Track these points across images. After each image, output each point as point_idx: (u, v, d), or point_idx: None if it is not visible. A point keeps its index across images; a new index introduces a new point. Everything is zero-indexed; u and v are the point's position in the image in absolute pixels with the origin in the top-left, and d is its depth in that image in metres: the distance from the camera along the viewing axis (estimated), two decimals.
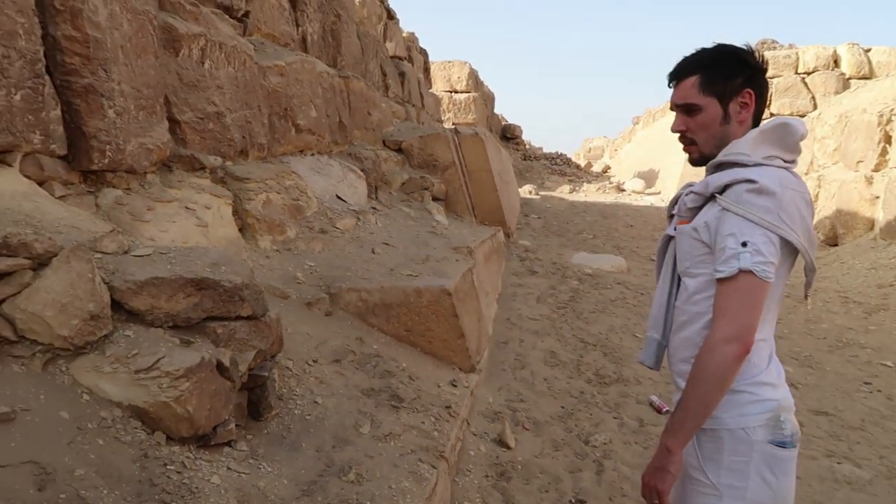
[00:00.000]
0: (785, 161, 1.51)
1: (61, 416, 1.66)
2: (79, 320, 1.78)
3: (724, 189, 1.47)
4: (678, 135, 1.63)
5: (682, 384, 1.58)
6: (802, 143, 1.55)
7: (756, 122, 1.58)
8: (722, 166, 1.53)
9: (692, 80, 1.56)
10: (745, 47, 1.57)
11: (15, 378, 1.68)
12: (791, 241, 1.42)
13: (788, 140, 1.52)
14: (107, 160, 2.71)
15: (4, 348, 1.72)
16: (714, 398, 1.44)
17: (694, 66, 1.57)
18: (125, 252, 2.17)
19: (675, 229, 1.63)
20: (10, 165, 2.36)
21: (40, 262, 1.81)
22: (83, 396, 1.75)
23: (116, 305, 1.93)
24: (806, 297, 1.62)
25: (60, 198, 2.55)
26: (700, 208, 1.56)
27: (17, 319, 1.73)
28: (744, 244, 1.38)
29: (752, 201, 1.40)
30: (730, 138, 1.55)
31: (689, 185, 1.70)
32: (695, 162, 1.63)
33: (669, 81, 1.63)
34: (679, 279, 1.64)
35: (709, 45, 1.59)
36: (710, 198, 1.52)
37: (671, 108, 1.64)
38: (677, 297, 1.64)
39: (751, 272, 1.37)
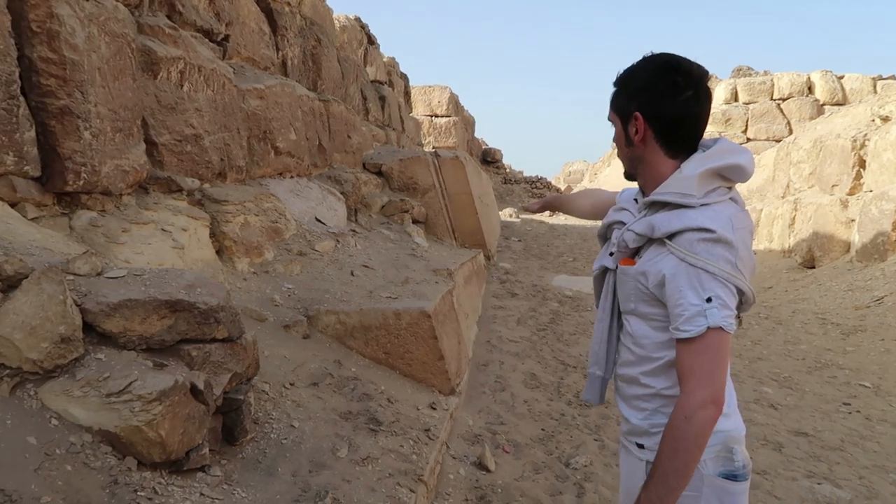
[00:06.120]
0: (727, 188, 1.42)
1: (28, 441, 1.62)
2: (49, 343, 1.74)
3: (672, 235, 1.37)
4: None
5: (629, 413, 1.53)
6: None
7: (682, 145, 1.45)
8: (664, 205, 1.42)
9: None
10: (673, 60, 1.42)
11: None
12: (744, 290, 1.34)
13: (736, 178, 1.42)
14: (81, 182, 2.68)
15: None
16: (693, 466, 1.33)
17: (616, 79, 1.51)
18: (98, 274, 2.14)
19: (616, 266, 1.53)
20: None
21: (10, 285, 1.78)
22: (52, 421, 1.71)
23: (88, 328, 1.90)
24: (739, 323, 1.53)
25: (33, 219, 2.52)
26: (640, 248, 1.47)
27: None
28: (708, 300, 1.30)
29: (711, 251, 1.31)
30: (646, 164, 1.48)
31: (622, 210, 1.61)
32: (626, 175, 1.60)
33: None
34: (619, 314, 1.58)
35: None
36: (654, 239, 1.43)
37: None
38: (620, 333, 1.58)
39: (720, 328, 1.29)
